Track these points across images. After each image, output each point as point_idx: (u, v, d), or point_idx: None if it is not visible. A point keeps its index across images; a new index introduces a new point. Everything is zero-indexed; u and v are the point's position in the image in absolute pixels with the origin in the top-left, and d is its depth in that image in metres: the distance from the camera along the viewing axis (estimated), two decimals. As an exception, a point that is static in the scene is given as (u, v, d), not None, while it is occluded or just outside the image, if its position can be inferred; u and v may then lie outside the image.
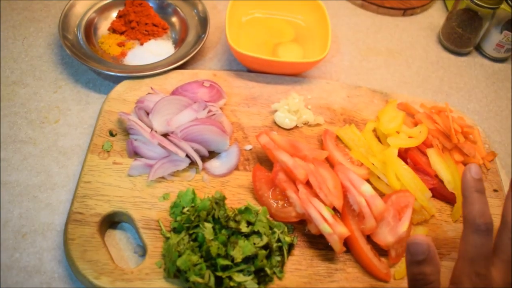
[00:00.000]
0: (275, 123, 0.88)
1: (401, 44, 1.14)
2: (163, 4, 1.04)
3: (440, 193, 0.82)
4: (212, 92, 0.85)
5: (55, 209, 0.75)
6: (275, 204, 0.76)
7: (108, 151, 0.79)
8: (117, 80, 0.90)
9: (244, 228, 0.69)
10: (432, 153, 0.83)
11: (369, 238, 0.74)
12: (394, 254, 0.73)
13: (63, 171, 0.79)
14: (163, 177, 0.77)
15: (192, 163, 0.79)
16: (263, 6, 1.06)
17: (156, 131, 0.78)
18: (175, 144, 0.77)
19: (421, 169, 0.82)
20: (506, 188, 0.86)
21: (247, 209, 0.72)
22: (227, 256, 0.66)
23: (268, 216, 0.74)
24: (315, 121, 0.89)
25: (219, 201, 0.72)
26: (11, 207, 0.75)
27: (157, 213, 0.73)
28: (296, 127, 0.89)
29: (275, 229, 0.72)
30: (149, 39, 0.98)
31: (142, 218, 0.72)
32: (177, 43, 0.99)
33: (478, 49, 1.15)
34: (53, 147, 0.82)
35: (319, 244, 0.74)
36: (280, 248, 0.71)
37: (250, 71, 0.97)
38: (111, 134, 0.81)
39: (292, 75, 0.96)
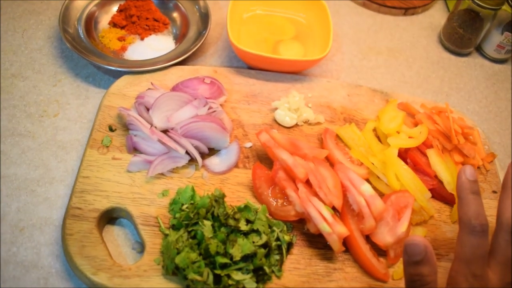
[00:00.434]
0: (275, 121, 0.88)
1: (402, 44, 1.14)
2: (164, -1, 1.04)
3: (440, 194, 0.82)
4: (212, 89, 0.85)
5: (53, 204, 0.75)
6: (275, 203, 0.75)
7: (107, 146, 0.78)
8: (117, 75, 0.89)
9: (243, 226, 0.69)
10: (432, 154, 0.83)
11: (368, 238, 0.74)
12: (393, 254, 0.73)
13: (61, 166, 0.79)
14: (162, 174, 0.77)
15: (192, 160, 0.79)
16: (265, 3, 1.06)
17: (156, 127, 0.78)
18: (175, 141, 0.77)
19: (421, 170, 0.82)
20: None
21: (246, 207, 0.72)
22: (226, 254, 0.66)
23: (267, 215, 0.73)
24: (315, 120, 0.89)
25: (219, 199, 0.72)
26: (9, 201, 0.74)
27: (156, 210, 0.73)
28: (296, 125, 0.88)
29: (274, 228, 0.72)
30: (150, 34, 0.98)
31: (141, 214, 0.72)
32: (178, 38, 0.99)
33: (479, 50, 1.15)
34: (52, 141, 0.82)
35: (318, 243, 0.74)
36: (279, 247, 0.71)
37: (250, 68, 0.96)
38: (111, 129, 0.80)
39: (292, 73, 0.96)
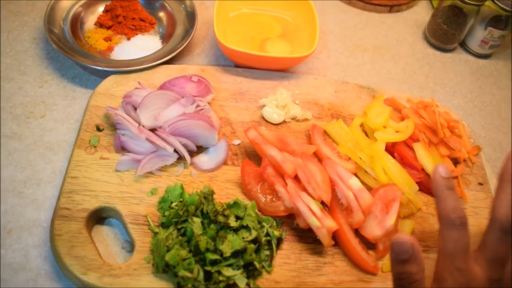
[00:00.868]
0: (263, 118, 0.88)
1: (388, 41, 1.15)
2: (150, -1, 1.04)
3: (427, 186, 0.82)
4: (200, 87, 0.85)
5: (41, 205, 0.74)
6: (264, 199, 0.76)
7: (95, 146, 0.78)
8: (104, 75, 0.89)
9: (232, 222, 0.69)
10: (418, 147, 0.83)
11: (357, 232, 0.74)
12: (381, 247, 0.73)
13: (49, 167, 0.79)
14: (151, 172, 0.77)
15: (180, 158, 0.79)
16: (251, 2, 1.06)
17: (143, 126, 0.78)
18: (163, 139, 0.77)
19: (408, 163, 0.83)
20: (491, 182, 0.87)
21: (235, 204, 0.72)
22: (216, 250, 0.66)
23: (256, 211, 0.74)
24: (303, 116, 0.89)
25: (208, 196, 0.72)
26: (-4, 203, 0.74)
27: (145, 208, 0.73)
28: (284, 122, 0.89)
29: (264, 224, 0.72)
30: (136, 34, 0.97)
31: (130, 213, 0.72)
32: (165, 38, 0.99)
33: (463, 45, 1.16)
34: (39, 142, 0.81)
35: (307, 238, 0.74)
36: (269, 242, 0.71)
37: (237, 66, 0.97)
38: (98, 129, 0.80)
39: (279, 70, 0.96)
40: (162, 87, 0.85)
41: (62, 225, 0.68)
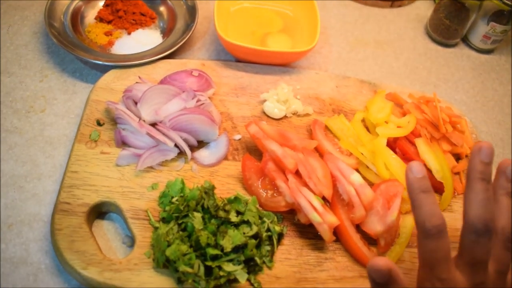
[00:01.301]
0: (264, 113, 0.88)
1: (389, 36, 1.14)
2: (150, -7, 1.03)
3: (428, 182, 0.82)
4: (200, 82, 0.85)
5: (41, 200, 0.74)
6: (265, 194, 0.75)
7: (95, 141, 0.78)
8: (104, 69, 0.88)
9: (233, 217, 0.69)
10: (420, 143, 0.83)
11: (358, 227, 0.74)
12: (383, 243, 0.73)
13: (49, 161, 0.78)
14: (151, 167, 0.76)
15: (181, 153, 0.78)
16: (252, -4, 1.06)
17: (144, 121, 0.78)
18: (164, 134, 0.76)
19: (410, 159, 0.82)
20: (493, 178, 0.87)
21: (236, 199, 0.72)
22: (216, 245, 0.66)
23: (257, 206, 0.73)
24: (304, 111, 0.89)
25: (208, 191, 0.71)
26: (-3, 197, 0.74)
27: (146, 203, 0.72)
28: (285, 117, 0.88)
29: (265, 219, 0.72)
30: (137, 29, 0.97)
31: (131, 208, 0.72)
32: (165, 32, 0.98)
33: (465, 40, 1.15)
34: (39, 136, 0.81)
35: (308, 233, 0.74)
36: (269, 238, 0.71)
37: (238, 61, 0.96)
38: (99, 124, 0.80)
39: (280, 65, 0.96)
40: (162, 82, 0.85)
41: (63, 219, 0.68)
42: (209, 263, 0.64)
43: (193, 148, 0.80)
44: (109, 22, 0.97)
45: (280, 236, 0.73)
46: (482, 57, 1.14)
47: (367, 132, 0.87)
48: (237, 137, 0.83)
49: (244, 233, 0.67)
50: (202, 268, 0.64)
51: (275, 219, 0.73)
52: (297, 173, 0.75)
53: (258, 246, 0.69)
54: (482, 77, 1.09)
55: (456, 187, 0.83)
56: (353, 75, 1.01)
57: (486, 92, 1.06)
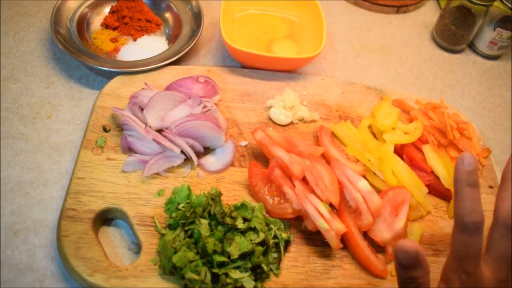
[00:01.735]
0: (270, 119, 0.88)
1: (395, 42, 1.14)
2: (156, -1, 1.03)
3: (436, 189, 0.82)
4: (207, 88, 0.85)
5: (47, 206, 0.74)
6: (271, 201, 0.75)
7: (101, 147, 0.78)
8: (110, 75, 0.89)
9: (240, 224, 0.69)
10: (427, 149, 0.83)
11: (365, 235, 0.74)
12: (391, 251, 0.72)
13: (55, 167, 0.78)
14: (157, 173, 0.76)
15: (187, 159, 0.78)
16: (257, 3, 1.05)
17: (150, 127, 0.77)
18: (170, 140, 0.76)
19: (417, 165, 0.82)
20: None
21: (243, 206, 0.71)
22: (223, 252, 0.66)
23: (264, 213, 0.73)
24: (310, 117, 0.89)
25: (215, 197, 0.71)
26: (3, 203, 0.73)
27: (152, 210, 0.72)
28: (291, 123, 0.88)
29: (272, 226, 0.71)
30: (143, 35, 0.97)
31: (137, 214, 0.71)
32: (171, 39, 0.98)
33: (472, 46, 1.15)
34: (45, 143, 0.81)
35: (315, 240, 0.74)
36: (276, 245, 0.70)
37: (244, 67, 0.96)
38: (105, 130, 0.80)
39: (286, 71, 0.96)
40: (168, 88, 0.85)
41: (69, 226, 0.68)
42: (215, 270, 0.64)
43: (199, 155, 0.80)
44: (115, 28, 0.98)
45: (287, 243, 0.72)
46: (488, 63, 1.13)
47: (374, 138, 0.87)
48: (243, 143, 0.83)
49: (251, 240, 0.67)
50: (208, 275, 0.64)
51: (282, 226, 0.73)
52: (304, 180, 0.74)
53: (265, 253, 0.68)
54: (488, 83, 1.09)
55: (464, 194, 0.82)
56: (359, 81, 1.01)
57: (492, 98, 1.06)
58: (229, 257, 0.65)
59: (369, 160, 0.82)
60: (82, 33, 0.95)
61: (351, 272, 0.72)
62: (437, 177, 0.82)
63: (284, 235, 0.71)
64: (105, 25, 0.98)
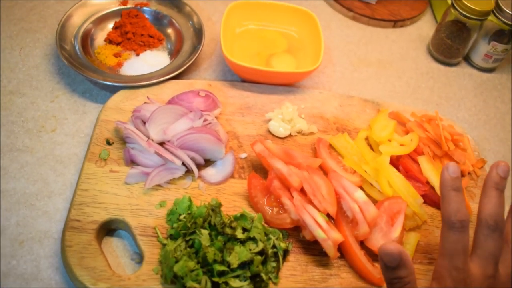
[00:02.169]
0: (269, 132, 0.90)
1: (392, 55, 1.16)
2: (158, 15, 1.06)
3: (431, 199, 0.83)
4: (207, 102, 0.87)
5: (52, 217, 0.76)
6: (270, 211, 0.77)
7: (105, 160, 0.80)
8: (114, 90, 0.91)
9: (240, 234, 0.70)
10: (423, 161, 0.84)
11: (362, 244, 0.75)
12: (387, 259, 0.74)
13: (60, 179, 0.80)
14: (159, 185, 0.78)
15: (188, 171, 0.80)
16: (257, 18, 1.08)
17: (152, 140, 0.79)
18: (172, 152, 0.78)
19: (413, 176, 0.83)
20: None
21: (242, 216, 0.73)
22: (223, 262, 0.67)
23: (263, 223, 0.75)
24: (308, 130, 0.90)
25: (215, 208, 0.73)
26: (8, 215, 0.75)
27: (154, 220, 0.74)
28: (290, 135, 0.90)
29: (271, 236, 0.73)
30: (145, 50, 1.00)
31: (139, 225, 0.73)
32: (173, 54, 1.01)
33: (467, 59, 1.17)
34: (50, 155, 0.83)
35: (313, 250, 0.75)
36: (275, 254, 0.72)
37: (244, 81, 0.98)
38: (108, 143, 0.82)
39: (285, 85, 0.98)
40: (170, 102, 0.87)
41: (73, 236, 0.70)
42: (216, 279, 0.66)
43: (200, 167, 0.81)
44: (118, 44, 1.00)
45: (286, 252, 0.74)
46: (484, 76, 1.16)
47: (371, 150, 0.88)
48: (243, 155, 0.85)
49: (250, 250, 0.69)
50: (209, 284, 0.65)
51: (281, 236, 0.74)
52: (302, 191, 0.76)
53: (264, 263, 0.70)
54: (484, 95, 1.11)
55: (459, 204, 0.84)
56: (356, 94, 1.03)
57: (488, 110, 1.08)
58: (229, 266, 0.67)
59: (365, 171, 0.83)
60: (86, 48, 0.98)
61: (349, 281, 0.73)
62: (432, 188, 0.83)
63: (283, 245, 0.73)
64: (109, 41, 1.01)
